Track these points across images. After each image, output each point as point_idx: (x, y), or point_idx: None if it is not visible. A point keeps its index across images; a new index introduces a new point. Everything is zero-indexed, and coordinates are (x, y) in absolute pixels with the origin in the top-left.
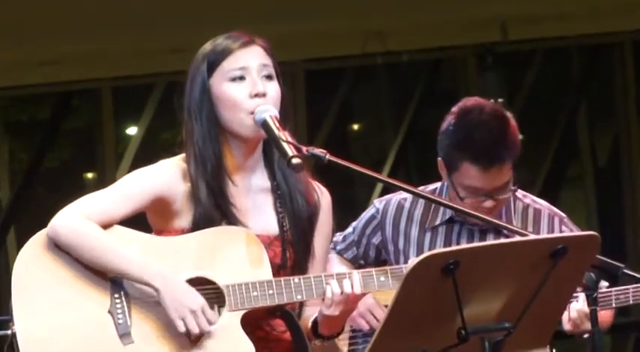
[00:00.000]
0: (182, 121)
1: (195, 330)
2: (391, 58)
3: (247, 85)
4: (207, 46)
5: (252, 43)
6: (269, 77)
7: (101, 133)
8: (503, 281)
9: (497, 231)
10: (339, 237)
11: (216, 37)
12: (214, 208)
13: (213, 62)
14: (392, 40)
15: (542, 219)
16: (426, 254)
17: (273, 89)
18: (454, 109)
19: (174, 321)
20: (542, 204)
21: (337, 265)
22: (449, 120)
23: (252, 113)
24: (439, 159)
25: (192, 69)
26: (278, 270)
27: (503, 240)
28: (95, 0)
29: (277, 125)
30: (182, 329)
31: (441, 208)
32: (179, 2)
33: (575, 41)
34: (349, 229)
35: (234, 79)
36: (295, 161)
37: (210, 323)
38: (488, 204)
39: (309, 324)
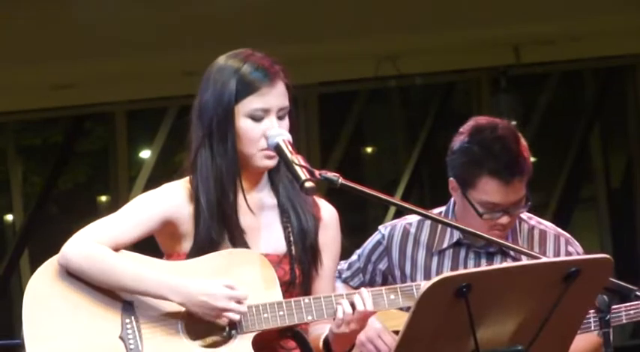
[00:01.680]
0: (194, 138)
1: (236, 318)
2: (404, 81)
3: (264, 125)
4: (234, 64)
5: (278, 78)
6: (283, 116)
7: (115, 156)
8: (515, 304)
9: (505, 254)
10: (343, 265)
11: (242, 56)
12: (219, 230)
13: (241, 92)
14: (405, 63)
15: (547, 240)
16: (439, 277)
17: (285, 126)
18: (464, 129)
19: (216, 322)
20: (548, 225)
21: (343, 292)
22: (461, 139)
23: (263, 150)
24: (451, 179)
25: (218, 84)
26: (287, 288)
27: (516, 263)
28: (108, 23)
29: (290, 149)
30: (225, 323)
31: (448, 232)
32: (193, 25)
33: (588, 64)
34: (354, 257)
35: (254, 118)
36: (308, 185)
37: (241, 301)
38: (504, 220)
39: (321, 343)
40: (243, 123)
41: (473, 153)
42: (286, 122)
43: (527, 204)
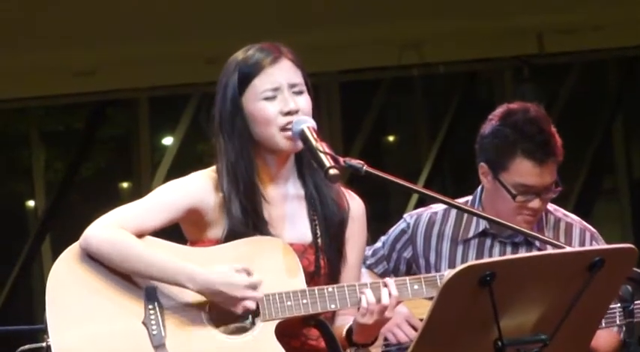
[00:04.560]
0: (212, 133)
1: (252, 307)
2: (427, 70)
3: (279, 103)
4: (239, 56)
5: (282, 57)
6: (299, 92)
7: (137, 143)
8: (539, 293)
9: (530, 244)
10: (368, 251)
11: (247, 48)
12: (247, 224)
13: (245, 78)
14: (428, 51)
15: (573, 233)
16: (463, 265)
17: (305, 103)
18: (495, 114)
19: (233, 311)
20: (574, 218)
21: (368, 279)
22: (492, 123)
23: (284, 130)
24: (482, 164)
25: (223, 80)
26: (312, 278)
27: (540, 252)
28: (132, 10)
29: (315, 136)
30: (240, 312)
31: (474, 221)
32: (215, 13)
33: (612, 53)
34: (378, 244)
35: (267, 99)
36: (333, 172)
37: (255, 288)
38: (536, 203)
39: (344, 333)
40: (258, 106)
41: (505, 135)
42: (305, 98)
43: (557, 189)
